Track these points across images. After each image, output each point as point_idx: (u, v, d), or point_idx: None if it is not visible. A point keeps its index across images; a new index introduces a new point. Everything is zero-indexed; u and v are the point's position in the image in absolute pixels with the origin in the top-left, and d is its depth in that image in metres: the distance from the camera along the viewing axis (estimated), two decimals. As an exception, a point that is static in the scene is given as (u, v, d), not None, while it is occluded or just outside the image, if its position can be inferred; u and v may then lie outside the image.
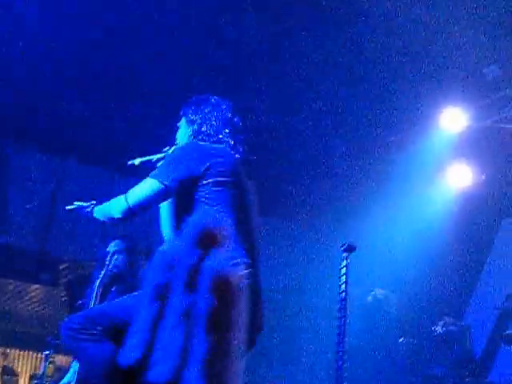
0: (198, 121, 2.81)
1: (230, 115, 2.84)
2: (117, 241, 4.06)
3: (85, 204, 2.87)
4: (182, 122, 2.91)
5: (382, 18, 5.40)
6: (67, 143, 6.94)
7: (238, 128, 2.84)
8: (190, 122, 2.83)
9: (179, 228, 2.50)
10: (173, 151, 2.80)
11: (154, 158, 2.94)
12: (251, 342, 2.54)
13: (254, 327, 2.54)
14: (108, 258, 3.87)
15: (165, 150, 2.93)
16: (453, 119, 6.43)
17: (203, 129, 2.78)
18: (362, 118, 6.63)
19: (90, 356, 2.37)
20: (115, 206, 2.68)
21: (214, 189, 2.59)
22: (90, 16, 5.35)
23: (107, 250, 4.00)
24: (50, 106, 6.37)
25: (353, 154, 7.21)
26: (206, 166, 2.60)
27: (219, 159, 2.65)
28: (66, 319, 2.50)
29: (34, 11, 5.23)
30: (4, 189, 7.22)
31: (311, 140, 7.08)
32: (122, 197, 2.67)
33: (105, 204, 2.79)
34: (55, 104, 6.34)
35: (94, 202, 2.86)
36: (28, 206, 7.12)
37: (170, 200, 2.83)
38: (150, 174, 2.70)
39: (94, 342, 2.34)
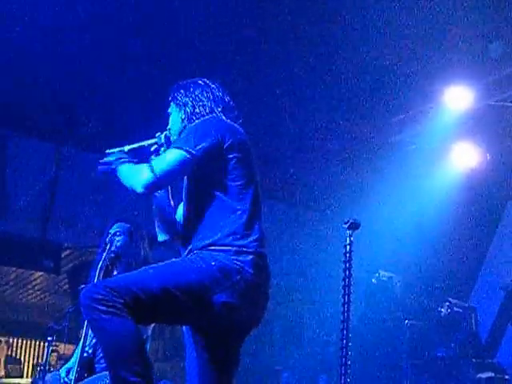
0: (190, 103, 2.75)
1: (220, 94, 2.80)
2: (119, 223, 4.00)
3: (112, 158, 2.73)
4: (173, 108, 2.85)
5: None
6: (67, 130, 6.88)
7: (229, 106, 2.80)
8: (182, 105, 2.78)
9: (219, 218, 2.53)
10: (196, 124, 2.70)
11: (146, 143, 2.85)
12: (258, 319, 2.60)
13: (262, 305, 2.59)
14: (109, 240, 3.82)
15: (157, 135, 2.86)
16: (458, 98, 6.36)
17: (197, 110, 2.73)
18: (368, 97, 6.56)
19: (111, 330, 2.29)
20: (140, 176, 2.55)
21: (235, 165, 2.57)
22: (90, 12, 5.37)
23: (109, 231, 3.94)
24: (50, 92, 6.32)
25: (357, 134, 7.16)
26: (230, 142, 2.58)
27: (238, 136, 2.64)
28: (87, 287, 2.42)
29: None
30: (4, 176, 7.17)
31: (313, 122, 7.03)
32: (145, 166, 2.57)
33: (132, 167, 2.65)
34: (54, 91, 6.30)
35: (124, 155, 2.74)
36: (29, 194, 7.08)
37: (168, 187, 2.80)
38: (172, 146, 2.64)
39: (115, 316, 2.28)
